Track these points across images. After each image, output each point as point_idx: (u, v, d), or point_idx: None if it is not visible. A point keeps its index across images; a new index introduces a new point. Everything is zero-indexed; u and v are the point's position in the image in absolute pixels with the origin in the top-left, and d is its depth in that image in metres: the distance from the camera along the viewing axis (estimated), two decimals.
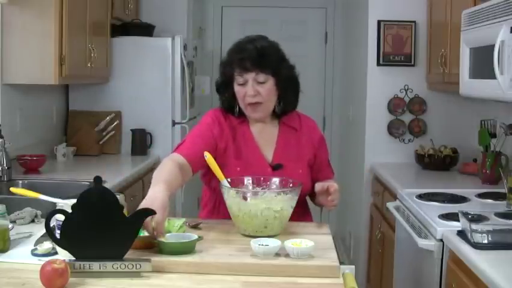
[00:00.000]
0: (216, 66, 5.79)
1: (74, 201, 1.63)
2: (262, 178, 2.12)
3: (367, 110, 4.18)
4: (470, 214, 2.21)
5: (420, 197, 2.87)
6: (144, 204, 1.78)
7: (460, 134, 3.95)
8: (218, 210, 2.24)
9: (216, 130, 2.22)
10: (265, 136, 2.27)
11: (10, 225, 1.90)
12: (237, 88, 2.19)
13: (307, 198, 2.34)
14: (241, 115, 2.26)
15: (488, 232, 2.06)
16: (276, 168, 2.22)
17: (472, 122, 3.71)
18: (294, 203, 1.99)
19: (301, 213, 2.23)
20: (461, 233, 2.18)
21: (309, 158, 2.28)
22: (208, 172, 2.17)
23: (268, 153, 2.25)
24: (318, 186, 2.14)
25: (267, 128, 2.28)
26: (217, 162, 2.08)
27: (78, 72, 3.61)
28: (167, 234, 1.83)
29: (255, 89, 2.15)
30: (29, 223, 2.14)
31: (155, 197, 1.82)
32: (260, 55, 2.15)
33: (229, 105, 2.26)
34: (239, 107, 2.24)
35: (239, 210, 1.94)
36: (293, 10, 5.88)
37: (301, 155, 2.27)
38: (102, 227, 1.60)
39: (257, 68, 2.14)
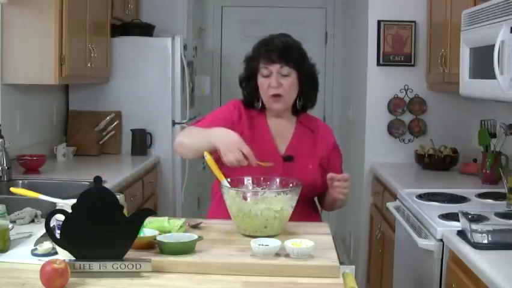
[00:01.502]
0: (216, 66, 5.87)
1: (74, 201, 1.63)
2: (262, 178, 2.13)
3: (367, 110, 4.18)
4: (470, 214, 2.21)
5: (420, 197, 2.87)
6: (218, 135, 2.04)
7: (460, 134, 3.95)
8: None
9: (235, 115, 2.30)
10: (281, 130, 2.33)
11: (10, 225, 1.90)
12: (261, 80, 2.26)
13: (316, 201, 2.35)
14: (261, 109, 2.32)
15: (488, 232, 2.06)
16: (287, 159, 2.26)
17: (472, 122, 3.71)
18: (294, 203, 1.99)
19: (310, 213, 2.24)
20: (461, 233, 2.18)
21: (321, 157, 2.31)
22: (220, 159, 2.17)
23: (282, 146, 2.30)
24: (330, 174, 2.16)
25: (284, 124, 2.34)
26: None
27: (78, 72, 3.61)
28: (168, 235, 1.84)
29: (278, 81, 2.23)
30: (29, 223, 2.14)
31: (227, 130, 2.05)
32: (285, 48, 2.25)
33: (251, 99, 2.33)
34: (261, 102, 2.30)
35: (239, 210, 1.94)
36: (293, 10, 5.89)
37: (314, 153, 2.31)
38: (102, 227, 1.60)
39: (282, 61, 2.23)
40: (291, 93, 2.28)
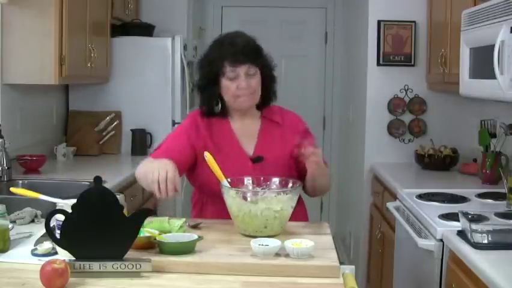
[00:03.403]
0: None
1: (74, 201, 1.63)
2: (262, 178, 2.12)
3: (367, 110, 4.18)
4: (470, 214, 2.21)
5: (420, 197, 2.87)
6: (151, 167, 1.93)
7: (460, 134, 3.95)
8: (206, 210, 2.26)
9: (193, 133, 2.24)
10: (246, 131, 2.28)
11: (10, 225, 1.90)
12: (226, 83, 2.19)
13: (301, 195, 2.33)
14: (222, 114, 2.27)
15: (488, 232, 2.06)
16: (256, 160, 2.22)
17: (472, 122, 3.71)
18: (294, 203, 1.99)
19: (296, 210, 2.23)
20: (461, 233, 2.18)
21: (292, 148, 2.22)
22: (192, 172, 2.21)
23: (249, 148, 2.26)
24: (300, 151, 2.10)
25: (248, 124, 2.29)
26: (199, 161, 2.10)
27: (78, 72, 3.61)
28: (168, 234, 1.84)
29: (248, 82, 2.18)
30: (29, 223, 2.14)
31: (161, 160, 1.97)
32: (250, 48, 2.20)
33: (210, 104, 2.26)
34: (222, 105, 2.24)
35: (239, 210, 1.94)
36: (293, 10, 5.88)
37: (284, 146, 2.26)
38: (102, 227, 1.60)
39: (248, 61, 2.18)
40: (258, 91, 2.24)
